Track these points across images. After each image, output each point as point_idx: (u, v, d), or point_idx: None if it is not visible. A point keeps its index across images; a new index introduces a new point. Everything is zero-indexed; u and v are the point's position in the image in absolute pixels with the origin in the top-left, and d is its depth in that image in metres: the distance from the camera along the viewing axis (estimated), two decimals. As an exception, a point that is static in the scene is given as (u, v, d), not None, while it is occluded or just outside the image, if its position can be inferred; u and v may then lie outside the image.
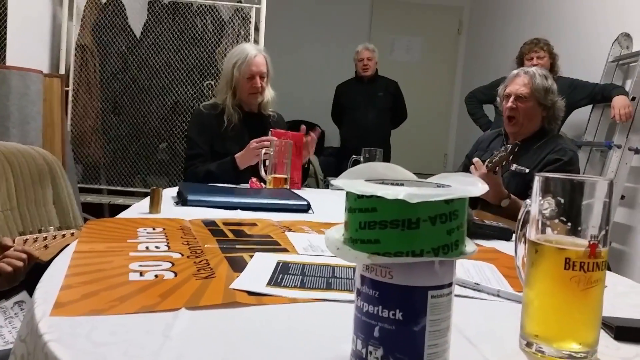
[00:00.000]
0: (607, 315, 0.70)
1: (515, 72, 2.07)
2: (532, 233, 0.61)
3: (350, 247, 0.52)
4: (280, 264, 0.86)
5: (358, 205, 0.52)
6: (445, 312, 0.53)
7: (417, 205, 0.48)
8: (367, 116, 4.07)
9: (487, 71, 4.61)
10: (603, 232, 0.58)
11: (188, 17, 3.20)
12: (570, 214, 0.59)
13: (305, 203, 1.50)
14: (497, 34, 4.84)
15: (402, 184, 0.60)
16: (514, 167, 1.91)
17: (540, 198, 0.61)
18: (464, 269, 0.95)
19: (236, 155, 2.00)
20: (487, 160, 1.78)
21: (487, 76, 3.94)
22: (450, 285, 0.53)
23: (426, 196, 0.48)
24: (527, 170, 1.91)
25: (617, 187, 2.85)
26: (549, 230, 0.61)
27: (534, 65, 3.12)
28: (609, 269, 1.89)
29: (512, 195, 1.80)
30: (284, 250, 0.98)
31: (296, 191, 1.79)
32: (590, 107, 3.17)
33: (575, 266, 0.56)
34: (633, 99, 2.82)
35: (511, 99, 1.99)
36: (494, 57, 4.74)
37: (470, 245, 0.56)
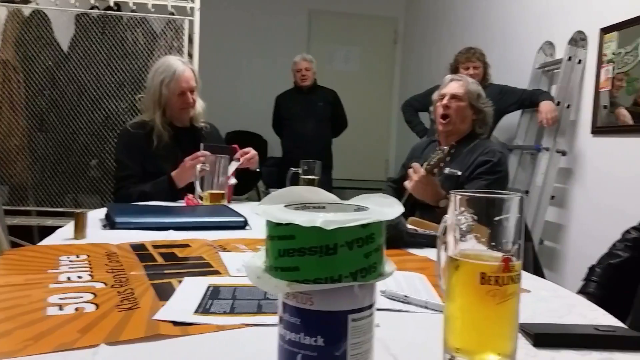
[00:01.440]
0: (526, 322, 0.73)
1: (449, 76, 2.18)
2: (450, 248, 0.63)
3: (271, 275, 0.52)
4: (211, 289, 0.84)
5: (277, 232, 0.51)
6: (367, 334, 0.53)
7: (334, 231, 0.48)
8: (307, 126, 4.08)
9: (422, 79, 4.75)
10: (516, 246, 0.60)
11: (118, 30, 3.10)
12: (486, 230, 0.61)
13: (242, 219, 1.48)
14: (431, 43, 5.00)
15: (323, 207, 0.60)
16: (447, 170, 1.98)
17: (458, 213, 0.63)
18: (395, 280, 0.96)
19: (172, 174, 1.94)
20: (425, 163, 1.84)
21: (423, 84, 4.06)
22: (370, 307, 0.53)
23: (342, 222, 0.49)
24: (460, 173, 1.99)
25: (546, 187, 3.00)
26: (471, 240, 0.62)
27: (470, 75, 3.25)
28: (537, 268, 1.98)
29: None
30: (216, 272, 0.96)
31: (235, 205, 1.77)
32: (520, 112, 3.32)
33: (490, 280, 0.58)
34: (558, 103, 2.98)
35: (446, 97, 2.08)
36: (428, 66, 4.89)
37: (389, 266, 0.57)
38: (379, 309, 0.80)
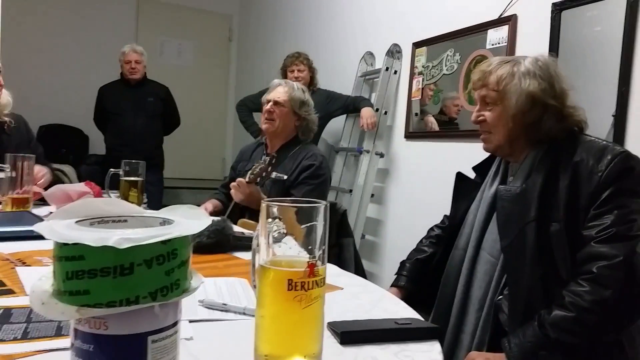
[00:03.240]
0: (335, 321, 0.78)
1: (277, 81, 2.24)
2: (261, 256, 0.64)
3: (58, 301, 0.47)
4: (1, 312, 0.74)
5: (64, 252, 0.47)
6: (170, 353, 0.51)
7: (129, 249, 0.45)
8: (136, 122, 3.84)
9: (258, 78, 4.80)
10: (321, 252, 0.63)
11: None
12: (290, 238, 0.63)
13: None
14: (265, 43, 5.07)
15: (125, 221, 0.56)
16: (274, 174, 2.03)
17: (270, 220, 0.64)
18: (216, 287, 0.95)
19: None
20: (249, 172, 1.87)
21: (259, 83, 4.09)
22: (175, 324, 0.51)
23: (138, 239, 0.46)
24: (285, 177, 2.06)
25: (367, 186, 3.25)
26: (284, 246, 0.64)
27: (295, 77, 3.37)
28: (358, 262, 2.12)
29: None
30: (10, 292, 0.84)
31: (39, 211, 1.58)
32: (345, 116, 3.54)
33: (297, 286, 0.60)
34: (377, 110, 3.24)
35: (270, 103, 2.14)
36: (263, 66, 4.96)
37: (195, 280, 0.55)
38: (194, 320, 0.79)
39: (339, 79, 3.71)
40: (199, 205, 2.31)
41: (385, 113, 3.28)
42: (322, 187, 2.09)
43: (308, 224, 0.63)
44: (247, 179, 1.88)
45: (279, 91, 2.16)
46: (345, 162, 3.53)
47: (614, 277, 1.08)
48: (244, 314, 0.82)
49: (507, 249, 1.26)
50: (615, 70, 2.00)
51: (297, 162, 2.09)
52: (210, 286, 0.94)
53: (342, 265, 2.14)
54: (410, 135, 3.16)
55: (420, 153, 3.08)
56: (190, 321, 0.78)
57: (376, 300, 0.94)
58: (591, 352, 1.13)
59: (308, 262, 0.61)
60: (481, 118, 1.34)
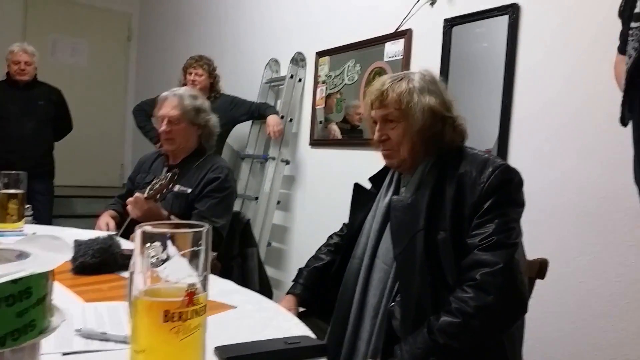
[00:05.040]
0: (222, 345, 0.76)
1: (165, 94, 2.08)
2: (135, 285, 0.60)
3: None
4: None
5: None
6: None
7: (-30, 292, 0.41)
8: (25, 127, 3.53)
9: (159, 80, 4.62)
10: (202, 278, 0.61)
11: None
12: (170, 263, 0.60)
13: None
14: (167, 45, 4.89)
15: (-27, 255, 0.51)
16: (177, 188, 1.94)
17: (148, 245, 0.61)
18: (97, 313, 0.89)
19: None
20: (148, 188, 1.77)
21: (160, 85, 3.93)
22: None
23: (-19, 281, 0.41)
24: (189, 190, 1.97)
25: (273, 193, 3.24)
26: (164, 271, 0.61)
27: (192, 80, 3.29)
28: (262, 272, 2.09)
29: (172, 216, 1.84)
30: None
31: None
32: (250, 123, 3.50)
33: (174, 317, 0.58)
34: (282, 117, 3.24)
35: (164, 122, 2.01)
36: (165, 68, 4.78)
37: (58, 317, 0.51)
38: (69, 353, 0.73)
39: (244, 84, 3.68)
40: (95, 216, 2.15)
41: (291, 120, 3.29)
42: (228, 200, 2.01)
43: (191, 249, 0.61)
44: (145, 195, 1.77)
45: (170, 105, 2.01)
46: (251, 169, 3.50)
47: (496, 283, 1.15)
48: (125, 342, 0.78)
49: (399, 257, 1.30)
50: (500, 84, 2.15)
51: (202, 175, 1.99)
52: (90, 313, 0.88)
53: (246, 275, 2.12)
54: (315, 142, 3.20)
55: (324, 160, 3.13)
56: (64, 354, 0.72)
57: (269, 318, 0.93)
58: (473, 351, 1.20)
59: (187, 290, 0.59)
60: (384, 137, 1.38)
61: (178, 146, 2.03)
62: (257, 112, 3.34)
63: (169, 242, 0.60)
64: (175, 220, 1.83)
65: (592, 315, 1.84)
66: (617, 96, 1.77)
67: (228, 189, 2.01)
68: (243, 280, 2.07)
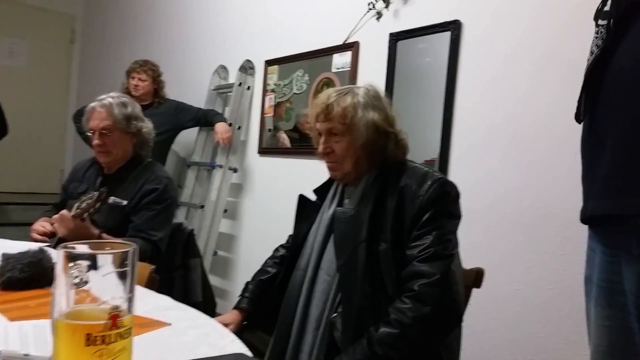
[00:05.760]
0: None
1: (92, 105, 1.99)
2: (58, 307, 0.58)
3: None
4: None
5: None
6: None
7: None
8: (-46, 130, 3.34)
9: (103, 84, 4.46)
10: (127, 299, 0.59)
11: None
12: (95, 284, 0.58)
13: None
14: (112, 48, 4.75)
15: None
16: (111, 199, 1.87)
17: (72, 265, 0.58)
18: (21, 333, 0.85)
19: None
20: (75, 206, 1.70)
21: (104, 89, 3.76)
22: None
23: None
24: (125, 203, 1.90)
25: (220, 202, 3.20)
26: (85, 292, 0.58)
27: (135, 85, 3.21)
28: (205, 283, 2.05)
29: (103, 235, 1.77)
30: None
31: None
32: (197, 129, 3.45)
33: (97, 340, 0.56)
34: (230, 124, 3.21)
35: (96, 135, 1.93)
36: (110, 72, 4.63)
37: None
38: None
39: (191, 90, 3.62)
40: (31, 224, 2.04)
41: (239, 128, 3.26)
42: (167, 213, 1.94)
43: (116, 270, 0.59)
44: (72, 213, 1.69)
45: (99, 116, 1.92)
46: (197, 176, 3.44)
47: (433, 294, 1.18)
48: (50, 364, 0.74)
49: (342, 268, 1.32)
50: (442, 98, 2.22)
51: (139, 186, 1.92)
52: (14, 332, 0.84)
53: (188, 287, 2.07)
54: (263, 150, 3.18)
55: (273, 168, 3.12)
56: (-20, 379, 0.68)
57: (205, 335, 0.91)
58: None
59: (110, 313, 0.57)
60: (329, 150, 1.39)
61: (114, 157, 1.96)
62: (204, 119, 3.29)
63: (93, 263, 0.58)
64: (107, 237, 1.76)
65: (528, 322, 1.92)
66: (553, 108, 1.87)
67: (166, 201, 1.94)
68: (185, 293, 2.03)
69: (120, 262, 0.59)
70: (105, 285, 0.59)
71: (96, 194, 1.68)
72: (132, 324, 0.59)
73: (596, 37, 0.87)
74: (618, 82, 0.81)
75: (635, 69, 0.78)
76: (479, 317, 1.92)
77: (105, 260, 0.58)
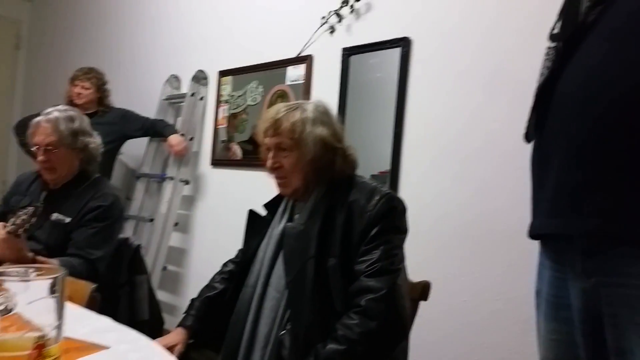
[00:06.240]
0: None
1: (37, 119, 1.91)
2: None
3: None
4: None
5: None
6: None
7: None
8: None
9: (50, 92, 4.31)
10: (54, 328, 0.56)
11: None
12: (23, 310, 0.55)
13: None
14: (61, 55, 4.59)
15: None
16: (54, 216, 1.80)
17: (-4, 293, 0.55)
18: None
19: None
20: (11, 221, 1.62)
21: (52, 97, 3.68)
22: None
23: None
24: (68, 220, 1.82)
25: (171, 214, 3.12)
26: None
27: (77, 93, 3.12)
28: (153, 300, 2.00)
29: (38, 257, 1.67)
30: None
31: None
32: (147, 140, 3.36)
33: (20, 373, 0.53)
34: (182, 135, 3.15)
35: (41, 151, 1.85)
36: (58, 80, 4.45)
37: None
38: None
39: (142, 100, 3.53)
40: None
41: (192, 139, 3.21)
42: (109, 231, 1.86)
43: (45, 297, 0.56)
44: (8, 228, 1.60)
45: (44, 132, 1.85)
46: (147, 188, 3.35)
47: (379, 309, 1.19)
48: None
49: (290, 284, 1.31)
50: (392, 113, 2.25)
51: (84, 203, 1.85)
52: None
53: (134, 305, 2.01)
54: (216, 162, 3.14)
55: (226, 180, 3.08)
56: None
57: (145, 359, 0.88)
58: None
59: (35, 342, 0.54)
60: (277, 165, 1.38)
61: (59, 174, 1.89)
62: (153, 130, 3.21)
63: (20, 290, 0.55)
64: (40, 260, 1.67)
65: (476, 333, 1.96)
66: (496, 124, 1.94)
67: (109, 219, 1.87)
68: (131, 311, 1.96)
69: (50, 288, 0.56)
70: (34, 311, 0.56)
71: (31, 209, 1.60)
72: (61, 352, 0.57)
73: (546, 59, 0.90)
74: (563, 104, 0.84)
75: (575, 93, 0.81)
76: (428, 329, 1.95)
77: (34, 286, 0.56)
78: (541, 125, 0.90)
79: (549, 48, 0.90)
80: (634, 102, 0.73)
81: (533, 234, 0.93)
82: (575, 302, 0.84)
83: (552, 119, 0.86)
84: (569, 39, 0.83)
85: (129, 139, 3.25)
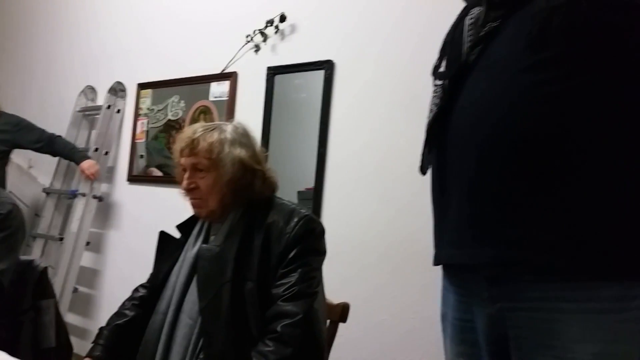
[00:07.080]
0: None
1: None
2: None
3: None
4: None
5: None
6: None
7: None
8: None
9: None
10: None
11: None
12: None
13: None
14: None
15: None
16: None
17: None
18: None
19: None
20: None
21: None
22: None
23: None
24: None
25: (82, 233, 2.94)
26: None
27: None
28: (60, 326, 1.86)
29: None
30: None
31: None
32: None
33: None
34: (96, 149, 2.99)
35: None
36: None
37: None
38: None
39: (55, 111, 3.34)
40: None
41: (106, 153, 3.05)
42: (10, 242, 1.74)
43: None
44: None
45: None
46: (56, 205, 3.14)
47: (295, 335, 1.17)
48: None
49: (204, 310, 1.26)
50: (316, 133, 2.27)
51: None
52: None
53: (39, 331, 1.85)
54: (133, 178, 3.01)
55: (144, 198, 2.95)
56: None
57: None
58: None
59: None
60: (193, 185, 1.34)
61: None
62: (50, 148, 2.98)
63: None
64: None
65: (393, 352, 1.99)
66: (416, 148, 2.00)
67: (9, 229, 1.75)
68: (35, 338, 1.81)
69: None
70: None
71: None
72: None
73: (434, 96, 0.93)
74: (454, 139, 0.87)
75: (464, 128, 0.85)
76: (348, 349, 1.95)
77: None
78: (436, 158, 0.93)
79: (436, 85, 0.94)
80: (511, 124, 0.77)
81: (439, 264, 0.96)
82: (480, 325, 0.87)
83: (447, 153, 0.90)
84: (454, 77, 0.88)
85: (19, 148, 3.01)
